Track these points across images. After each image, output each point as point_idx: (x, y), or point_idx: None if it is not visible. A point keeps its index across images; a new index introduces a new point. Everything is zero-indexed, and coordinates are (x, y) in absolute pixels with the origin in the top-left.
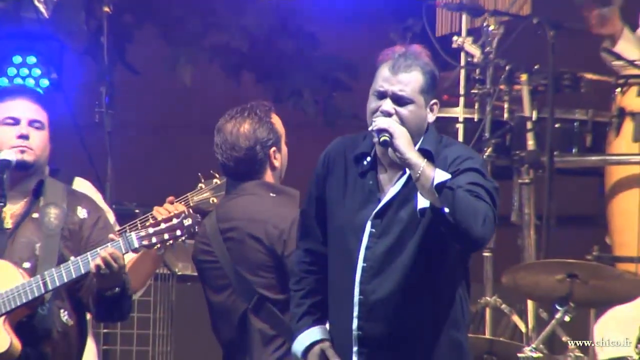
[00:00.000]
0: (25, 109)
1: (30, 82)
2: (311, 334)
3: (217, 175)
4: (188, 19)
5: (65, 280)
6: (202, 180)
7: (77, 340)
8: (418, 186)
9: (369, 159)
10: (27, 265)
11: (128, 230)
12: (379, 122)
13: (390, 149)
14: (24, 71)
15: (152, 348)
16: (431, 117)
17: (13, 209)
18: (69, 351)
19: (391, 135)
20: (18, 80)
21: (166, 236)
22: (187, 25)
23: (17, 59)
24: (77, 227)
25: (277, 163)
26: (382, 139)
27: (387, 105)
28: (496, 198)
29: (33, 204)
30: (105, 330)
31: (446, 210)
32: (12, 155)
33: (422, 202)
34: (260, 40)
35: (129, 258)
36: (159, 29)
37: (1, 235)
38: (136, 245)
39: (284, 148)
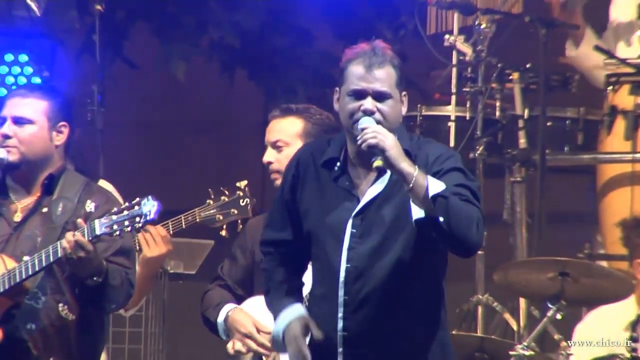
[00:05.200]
0: (12, 106)
1: (22, 80)
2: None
3: (226, 192)
4: (182, 16)
5: (37, 268)
6: (212, 196)
7: (79, 335)
8: (411, 195)
9: (338, 164)
10: (26, 258)
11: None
12: (367, 136)
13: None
14: (16, 69)
15: (144, 346)
16: (404, 110)
17: (24, 202)
18: (67, 346)
19: (382, 151)
20: (9, 79)
21: (126, 223)
22: (180, 22)
23: (9, 57)
24: (83, 219)
25: None
26: (375, 165)
27: (369, 103)
28: (480, 197)
29: (44, 198)
30: None
31: (441, 219)
32: (4, 153)
33: (417, 213)
34: (253, 37)
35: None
36: (153, 26)
37: (8, 228)
38: (98, 232)
39: None
